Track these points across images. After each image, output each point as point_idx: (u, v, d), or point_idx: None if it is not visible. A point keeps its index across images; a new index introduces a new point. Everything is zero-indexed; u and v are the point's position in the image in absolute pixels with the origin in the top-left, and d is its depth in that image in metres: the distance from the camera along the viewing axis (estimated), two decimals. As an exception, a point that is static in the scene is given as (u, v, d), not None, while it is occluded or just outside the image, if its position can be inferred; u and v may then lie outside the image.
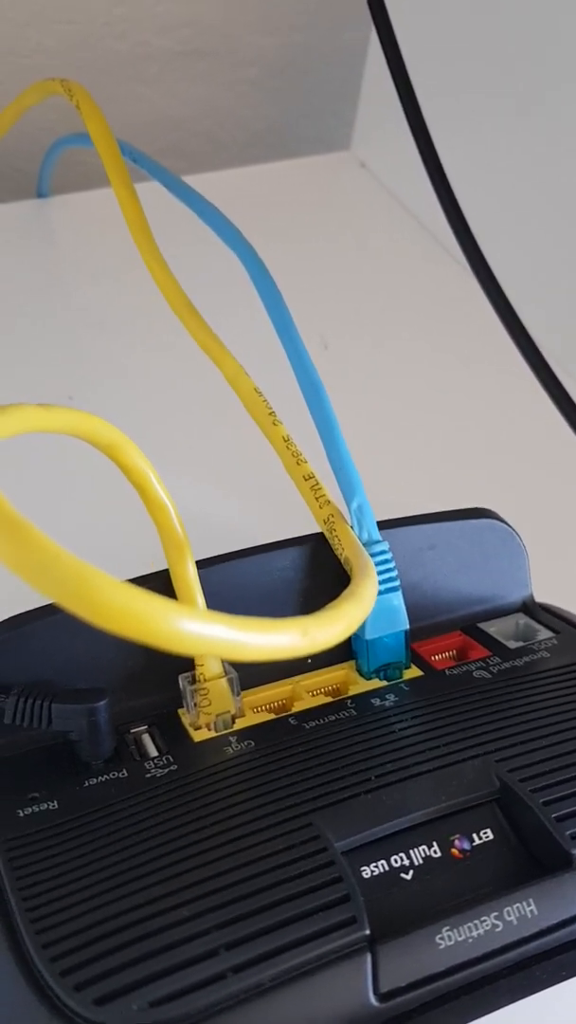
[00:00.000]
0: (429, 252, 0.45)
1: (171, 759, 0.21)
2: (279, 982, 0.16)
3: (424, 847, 0.19)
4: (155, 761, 0.21)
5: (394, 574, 0.23)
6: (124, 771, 0.20)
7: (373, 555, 0.23)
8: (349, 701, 0.22)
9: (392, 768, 0.20)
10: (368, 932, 0.17)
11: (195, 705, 0.21)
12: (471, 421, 0.36)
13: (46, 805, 0.20)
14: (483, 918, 0.17)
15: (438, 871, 0.18)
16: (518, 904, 0.18)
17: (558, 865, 0.18)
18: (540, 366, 0.28)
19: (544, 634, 0.24)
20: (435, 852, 0.19)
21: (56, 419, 0.19)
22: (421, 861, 0.18)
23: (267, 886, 0.17)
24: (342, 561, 0.23)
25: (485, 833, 0.19)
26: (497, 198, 0.41)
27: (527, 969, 0.17)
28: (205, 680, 0.21)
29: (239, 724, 0.22)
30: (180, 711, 0.22)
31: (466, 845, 0.19)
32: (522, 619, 0.25)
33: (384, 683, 0.23)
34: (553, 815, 0.19)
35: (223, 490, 0.32)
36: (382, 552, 0.23)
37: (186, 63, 0.51)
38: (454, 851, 0.19)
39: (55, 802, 0.20)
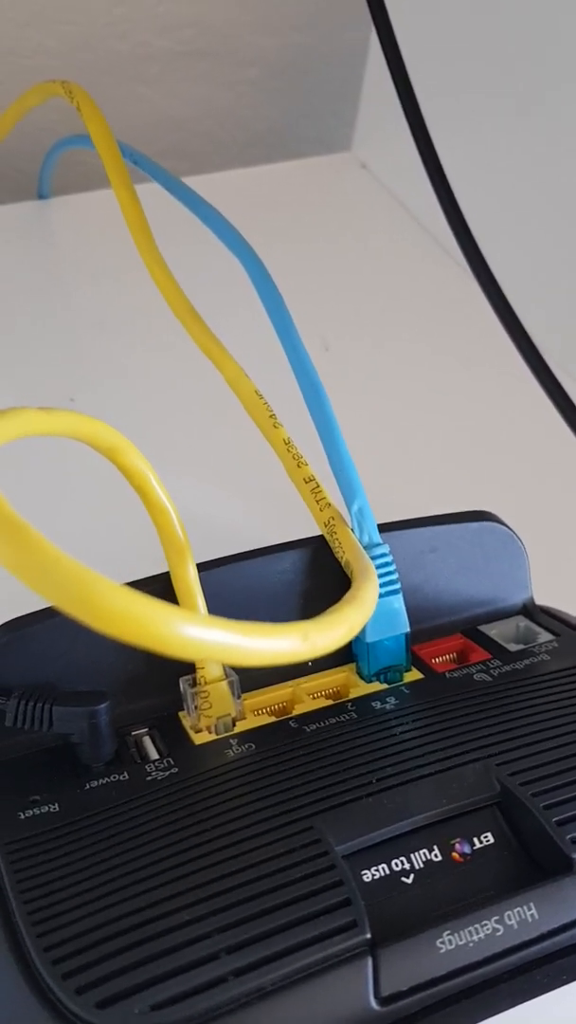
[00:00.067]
0: (430, 253, 0.45)
1: (172, 762, 0.21)
2: (280, 986, 0.16)
3: (425, 851, 0.19)
4: (156, 764, 0.21)
5: (395, 577, 0.23)
6: (125, 774, 0.20)
7: (374, 558, 0.23)
8: (350, 704, 0.22)
9: (393, 771, 0.20)
10: (369, 936, 0.17)
11: (196, 708, 0.21)
12: (471, 423, 0.36)
13: (47, 808, 0.20)
14: (484, 922, 0.17)
15: (439, 875, 0.18)
16: (519, 908, 0.18)
17: (559, 869, 0.18)
18: (540, 368, 0.28)
19: (544, 637, 0.24)
20: (436, 856, 0.19)
21: (57, 422, 0.19)
22: (422, 865, 0.18)
23: (268, 890, 0.17)
24: (343, 564, 0.23)
25: (486, 837, 0.19)
26: (497, 199, 0.41)
27: (528, 973, 0.17)
28: (206, 683, 0.21)
29: (240, 727, 0.22)
30: (181, 714, 0.22)
31: (467, 849, 0.19)
32: (523, 622, 0.25)
33: (385, 686, 0.23)
34: (554, 819, 0.19)
35: (224, 493, 0.32)
36: (383, 555, 0.23)
37: (187, 63, 0.51)
38: (455, 855, 0.19)
39: (56, 805, 0.20)
